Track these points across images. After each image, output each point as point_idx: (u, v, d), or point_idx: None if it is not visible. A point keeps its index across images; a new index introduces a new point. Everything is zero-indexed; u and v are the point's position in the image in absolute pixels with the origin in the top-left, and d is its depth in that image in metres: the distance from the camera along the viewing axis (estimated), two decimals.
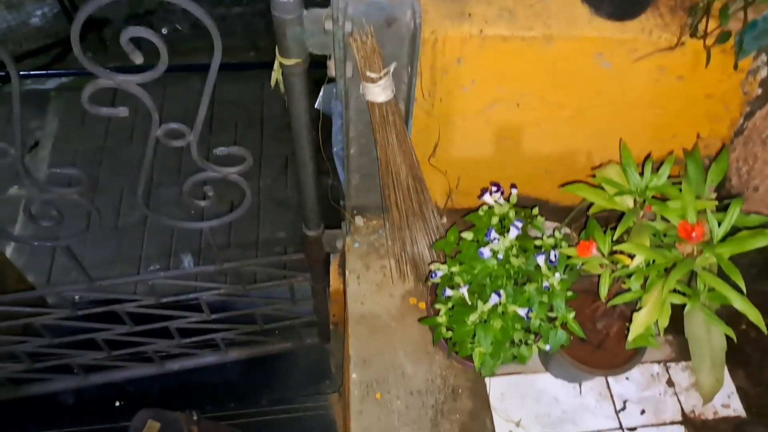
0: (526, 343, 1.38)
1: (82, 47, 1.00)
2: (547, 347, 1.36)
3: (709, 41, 1.34)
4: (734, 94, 1.50)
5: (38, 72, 3.63)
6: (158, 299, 1.82)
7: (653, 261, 1.20)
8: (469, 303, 1.36)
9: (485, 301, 1.33)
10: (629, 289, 1.25)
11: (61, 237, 1.48)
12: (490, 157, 1.64)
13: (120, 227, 2.96)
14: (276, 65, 1.26)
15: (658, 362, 1.61)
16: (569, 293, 1.36)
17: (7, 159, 1.19)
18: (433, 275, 1.43)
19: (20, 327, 1.82)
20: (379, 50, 1.27)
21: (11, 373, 2.06)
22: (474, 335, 1.34)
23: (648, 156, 1.59)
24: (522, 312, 1.33)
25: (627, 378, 1.57)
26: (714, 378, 1.31)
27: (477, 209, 1.47)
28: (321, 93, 1.55)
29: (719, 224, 1.19)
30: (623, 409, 1.53)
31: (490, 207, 1.44)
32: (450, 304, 1.39)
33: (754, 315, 1.13)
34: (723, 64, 1.41)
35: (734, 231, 1.20)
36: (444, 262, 1.43)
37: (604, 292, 1.26)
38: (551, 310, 1.35)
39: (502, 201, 1.44)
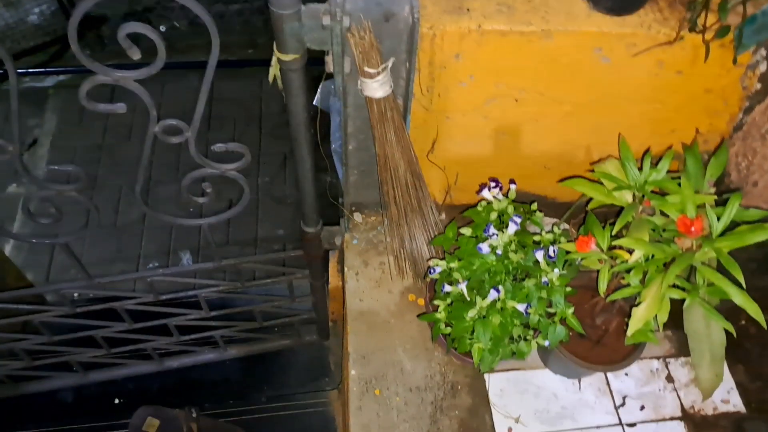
0: (525, 339, 1.37)
1: (80, 45, 1.00)
2: (546, 343, 1.36)
3: (708, 36, 1.34)
4: (733, 89, 1.50)
5: (36, 70, 3.62)
6: (157, 296, 1.82)
7: (652, 256, 1.20)
8: (468, 299, 1.36)
9: (484, 297, 1.33)
10: (628, 285, 1.24)
11: (60, 234, 1.47)
12: (489, 153, 1.63)
13: (119, 225, 2.96)
14: (274, 61, 1.25)
15: (658, 358, 1.61)
16: (568, 289, 1.36)
17: (5, 156, 1.19)
18: (432, 271, 1.42)
19: (19, 324, 1.82)
20: (377, 45, 1.27)
21: (11, 370, 2.06)
22: (473, 331, 1.34)
23: (647, 151, 1.59)
24: (521, 308, 1.32)
25: (626, 374, 1.57)
26: (713, 373, 1.31)
27: (476, 205, 1.47)
28: (319, 90, 1.55)
29: (718, 219, 1.19)
30: (622, 404, 1.53)
31: (489, 203, 1.44)
32: (449, 300, 1.39)
33: (753, 310, 1.13)
34: (722, 59, 1.41)
35: (733, 226, 1.20)
36: (443, 258, 1.42)
37: (603, 287, 1.25)
38: (550, 305, 1.35)
39: (500, 196, 1.43)
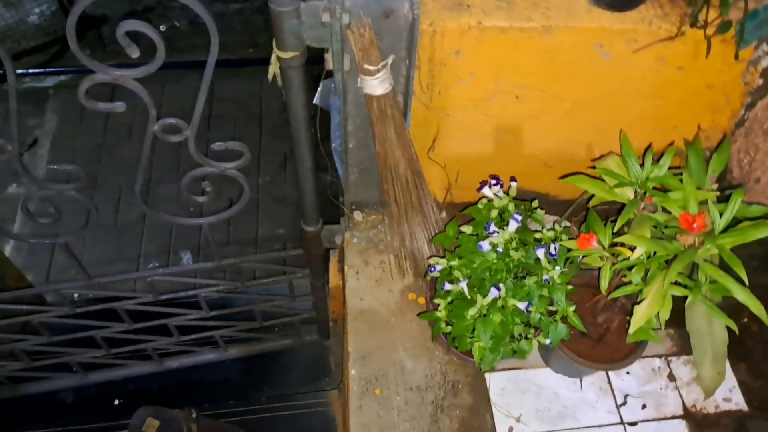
0: (526, 338, 1.37)
1: (81, 45, 1.00)
2: (548, 341, 1.35)
3: (710, 31, 1.33)
4: (735, 85, 1.49)
5: (37, 70, 3.62)
6: (157, 296, 1.81)
7: (654, 253, 1.19)
8: (469, 297, 1.35)
9: (485, 295, 1.32)
10: (630, 282, 1.23)
11: (59, 234, 1.47)
12: (490, 151, 1.62)
13: (119, 225, 2.95)
14: (273, 59, 1.25)
15: (659, 356, 1.60)
16: (569, 287, 1.35)
17: (4, 156, 1.19)
18: (432, 269, 1.42)
19: (19, 325, 1.81)
20: (377, 43, 1.26)
21: (10, 371, 2.05)
22: (473, 330, 1.33)
23: (648, 147, 1.58)
24: (522, 306, 1.31)
25: (628, 372, 1.56)
26: (715, 372, 1.30)
27: (476, 203, 1.46)
28: (319, 88, 1.54)
29: (721, 215, 1.18)
30: (624, 403, 1.52)
31: (490, 200, 1.43)
32: (449, 299, 1.38)
33: (756, 307, 1.12)
34: (723, 55, 1.40)
35: (735, 223, 1.19)
36: (443, 257, 1.42)
37: (604, 285, 1.24)
38: (551, 303, 1.34)
39: (501, 194, 1.42)
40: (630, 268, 1.22)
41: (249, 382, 2.33)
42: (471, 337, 1.35)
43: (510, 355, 1.36)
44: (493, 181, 1.42)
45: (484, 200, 1.45)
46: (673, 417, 1.51)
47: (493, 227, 1.35)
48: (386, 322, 1.58)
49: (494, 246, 1.34)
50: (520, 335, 1.36)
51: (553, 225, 1.41)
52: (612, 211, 1.37)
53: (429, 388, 1.48)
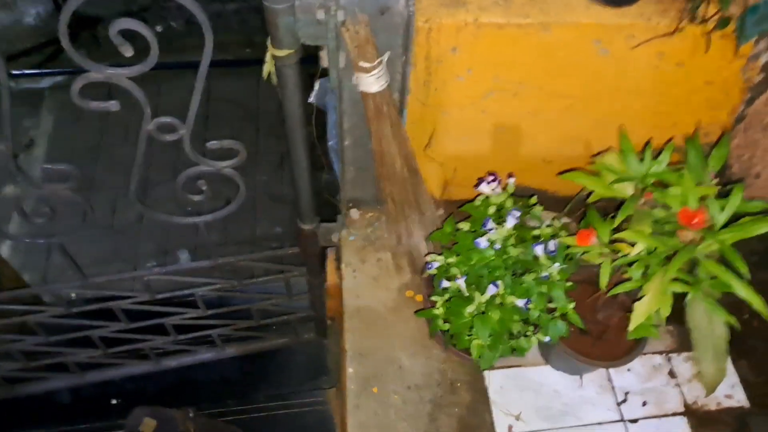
0: (525, 335, 1.36)
1: (76, 45, 1.00)
2: (547, 339, 1.34)
3: (709, 26, 1.32)
4: (735, 81, 1.48)
5: (32, 71, 3.60)
6: (153, 296, 1.80)
7: (654, 249, 1.18)
8: (467, 294, 1.34)
9: (483, 293, 1.31)
10: (630, 279, 1.23)
11: (56, 235, 1.46)
12: (487, 148, 1.61)
13: (117, 224, 2.94)
14: (268, 57, 1.24)
15: (660, 353, 1.59)
16: (569, 283, 1.34)
17: None
18: (429, 267, 1.41)
19: (16, 325, 1.80)
20: (373, 40, 1.25)
21: (7, 371, 2.04)
22: (472, 327, 1.32)
23: (648, 142, 1.57)
24: (520, 303, 1.31)
25: (628, 369, 1.55)
26: (716, 368, 1.29)
27: (474, 200, 1.45)
28: (316, 87, 1.53)
29: (721, 210, 1.17)
30: (625, 401, 1.51)
31: (487, 197, 1.42)
32: (447, 296, 1.37)
33: (757, 303, 1.11)
34: (723, 50, 1.39)
35: (736, 218, 1.18)
36: (440, 254, 1.41)
37: (604, 281, 1.24)
38: (550, 301, 1.33)
39: (499, 190, 1.42)
40: (630, 265, 1.22)
41: (246, 381, 2.32)
42: (469, 335, 1.34)
43: (509, 352, 1.35)
44: (491, 178, 1.41)
45: (482, 197, 1.44)
46: (674, 414, 1.50)
47: (490, 224, 1.34)
48: (383, 320, 1.57)
49: (492, 243, 1.34)
50: (519, 333, 1.35)
51: (552, 221, 1.40)
52: (611, 207, 1.36)
53: (427, 387, 1.47)
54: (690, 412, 1.50)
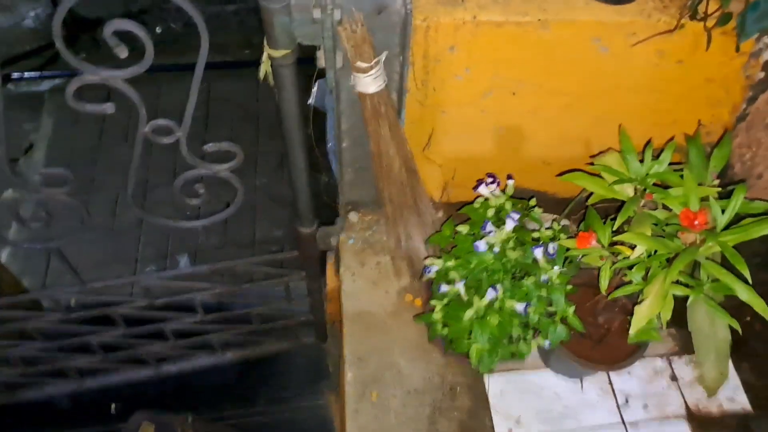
0: (525, 339, 1.34)
1: (75, 48, 1.00)
2: (547, 343, 1.33)
3: (710, 23, 1.30)
4: (736, 78, 1.46)
5: (32, 74, 3.60)
6: (151, 301, 1.79)
7: (655, 251, 1.17)
8: (466, 298, 1.32)
9: (482, 297, 1.29)
10: (630, 282, 1.21)
11: (55, 239, 1.45)
12: (487, 148, 1.60)
13: (116, 228, 2.93)
14: (264, 57, 1.23)
15: (661, 356, 1.57)
16: (568, 287, 1.32)
17: None
18: (428, 271, 1.39)
19: (15, 331, 1.79)
20: (370, 39, 1.24)
21: (6, 378, 2.03)
22: (471, 332, 1.31)
23: (648, 142, 1.56)
24: (520, 307, 1.29)
25: (629, 373, 1.53)
26: (718, 371, 1.28)
27: (473, 202, 1.43)
28: (315, 88, 1.52)
29: (723, 212, 1.15)
30: (625, 404, 1.49)
31: (486, 199, 1.41)
32: (446, 300, 1.36)
33: (759, 306, 1.09)
34: (724, 47, 1.37)
35: (738, 219, 1.16)
36: (439, 257, 1.39)
37: (604, 284, 1.22)
38: (550, 304, 1.32)
39: (498, 192, 1.40)
40: (630, 267, 1.20)
41: (246, 386, 2.31)
42: (468, 339, 1.33)
43: (508, 357, 1.34)
44: (490, 180, 1.39)
45: (481, 199, 1.42)
46: (676, 417, 1.48)
47: (489, 226, 1.32)
48: (383, 324, 1.56)
49: (491, 246, 1.32)
50: (519, 337, 1.34)
51: (552, 224, 1.38)
52: (611, 208, 1.34)
53: (427, 391, 1.46)
54: (692, 415, 1.48)
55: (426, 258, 1.52)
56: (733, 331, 1.21)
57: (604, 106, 1.50)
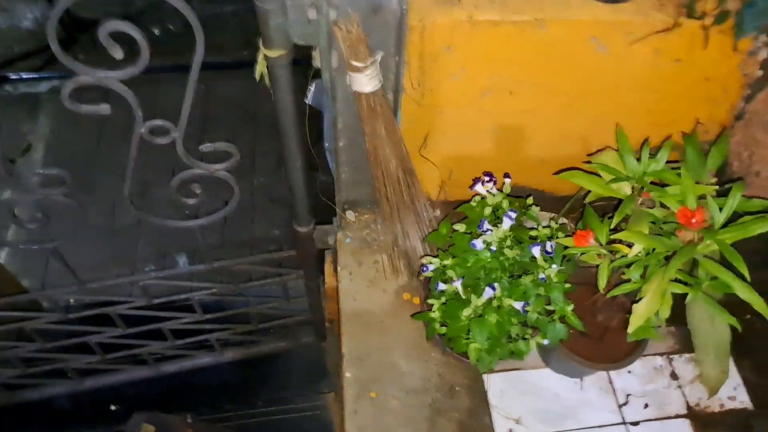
0: (524, 338, 1.34)
1: (75, 49, 0.99)
2: (546, 342, 1.32)
3: (707, 22, 1.30)
4: (733, 77, 1.46)
5: (30, 75, 3.60)
6: (150, 300, 1.79)
7: (653, 249, 1.16)
8: (463, 297, 1.32)
9: (479, 295, 1.29)
10: (629, 280, 1.21)
11: (53, 239, 1.45)
12: (484, 147, 1.60)
13: (115, 228, 2.93)
14: (260, 58, 1.22)
15: (661, 354, 1.57)
16: (567, 285, 1.32)
17: None
18: (425, 269, 1.39)
19: (14, 332, 1.79)
20: (365, 39, 1.23)
21: (5, 378, 2.03)
22: (469, 331, 1.30)
23: (645, 141, 1.55)
24: (518, 306, 1.29)
25: (629, 371, 1.53)
26: (719, 370, 1.27)
27: (470, 200, 1.43)
28: (312, 88, 1.52)
29: (720, 210, 1.15)
30: (626, 403, 1.49)
31: (483, 197, 1.40)
32: (443, 299, 1.36)
33: (758, 303, 1.09)
34: (721, 46, 1.37)
35: (736, 217, 1.16)
36: (436, 256, 1.39)
37: (602, 282, 1.22)
38: (549, 303, 1.31)
39: (494, 191, 1.40)
40: (628, 266, 1.20)
41: (245, 386, 2.31)
42: (466, 338, 1.32)
43: (507, 356, 1.34)
44: (486, 178, 1.39)
45: (478, 197, 1.42)
46: (677, 416, 1.48)
47: (486, 225, 1.32)
48: (381, 323, 1.55)
49: (488, 244, 1.32)
50: (518, 335, 1.33)
51: (549, 222, 1.38)
52: (609, 207, 1.34)
53: (426, 391, 1.46)
54: (692, 414, 1.48)
55: (423, 256, 1.52)
56: (733, 328, 1.20)
57: (602, 105, 1.50)
